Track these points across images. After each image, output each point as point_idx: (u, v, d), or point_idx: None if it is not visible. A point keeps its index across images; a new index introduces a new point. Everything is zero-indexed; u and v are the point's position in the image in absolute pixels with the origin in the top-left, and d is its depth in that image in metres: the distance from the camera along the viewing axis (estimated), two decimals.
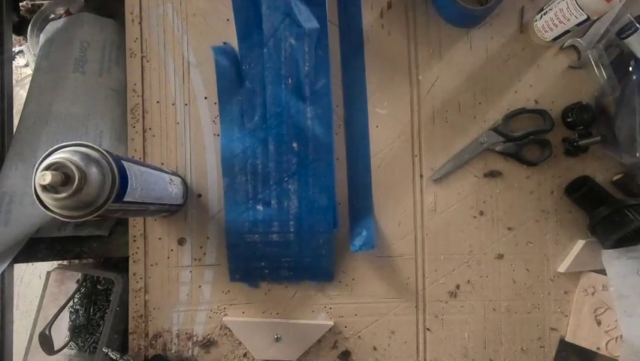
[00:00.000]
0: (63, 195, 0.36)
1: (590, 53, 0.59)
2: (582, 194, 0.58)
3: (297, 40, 0.58)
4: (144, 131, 0.61)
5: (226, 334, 0.60)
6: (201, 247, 0.60)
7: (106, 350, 0.57)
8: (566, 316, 0.60)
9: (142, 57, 0.61)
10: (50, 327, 0.63)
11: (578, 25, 0.53)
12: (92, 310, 0.72)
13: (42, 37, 0.65)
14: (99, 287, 0.73)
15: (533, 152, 0.61)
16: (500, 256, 0.60)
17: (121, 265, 0.63)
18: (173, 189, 0.54)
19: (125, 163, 0.41)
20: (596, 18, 0.54)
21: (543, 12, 0.57)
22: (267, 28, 0.58)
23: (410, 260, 0.60)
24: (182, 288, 0.60)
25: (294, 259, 0.59)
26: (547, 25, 0.57)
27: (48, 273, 0.69)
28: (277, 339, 0.58)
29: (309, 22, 0.58)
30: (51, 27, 0.64)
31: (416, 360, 0.60)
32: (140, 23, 0.61)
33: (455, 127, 0.60)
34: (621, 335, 0.57)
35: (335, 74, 0.60)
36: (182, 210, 0.60)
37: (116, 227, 0.63)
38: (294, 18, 0.57)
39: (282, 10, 0.57)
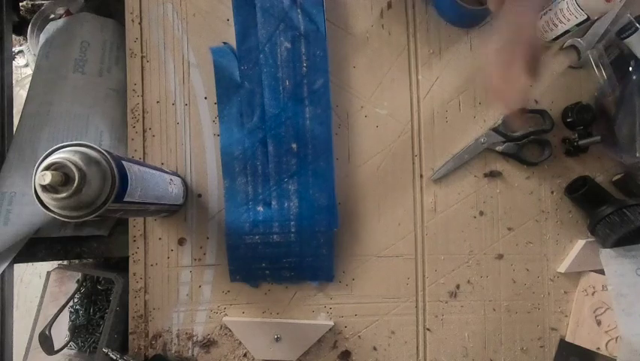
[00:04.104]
0: (63, 195, 0.36)
1: (590, 53, 0.59)
2: (582, 194, 0.58)
3: (293, 43, 0.58)
4: (144, 131, 0.61)
5: (226, 334, 0.60)
6: (201, 247, 0.60)
7: (106, 350, 0.57)
8: (566, 316, 0.60)
9: (142, 57, 0.61)
10: (50, 327, 0.63)
11: (578, 25, 0.53)
12: (92, 310, 0.72)
13: (42, 37, 0.65)
14: (99, 287, 0.73)
15: (533, 152, 0.61)
16: (500, 256, 0.60)
17: (121, 265, 0.63)
18: (173, 189, 0.54)
19: (125, 163, 0.41)
20: (596, 18, 0.54)
21: (543, 12, 0.57)
22: (262, 35, 0.58)
23: (410, 260, 0.60)
24: (182, 288, 0.60)
25: (295, 259, 0.59)
26: (547, 25, 0.57)
27: (48, 273, 0.69)
28: (277, 339, 0.59)
29: (307, 22, 0.58)
30: (51, 27, 0.64)
31: (416, 360, 0.60)
32: (140, 23, 0.61)
33: (455, 127, 0.60)
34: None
35: (334, 74, 0.60)
36: (182, 210, 0.60)
37: (116, 227, 0.63)
38: (290, 22, 0.58)
39: (277, 16, 0.58)
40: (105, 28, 0.64)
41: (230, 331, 0.60)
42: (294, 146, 0.58)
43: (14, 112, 0.68)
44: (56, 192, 0.36)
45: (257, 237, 0.58)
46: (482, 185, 0.60)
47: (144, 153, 0.61)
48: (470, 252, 0.60)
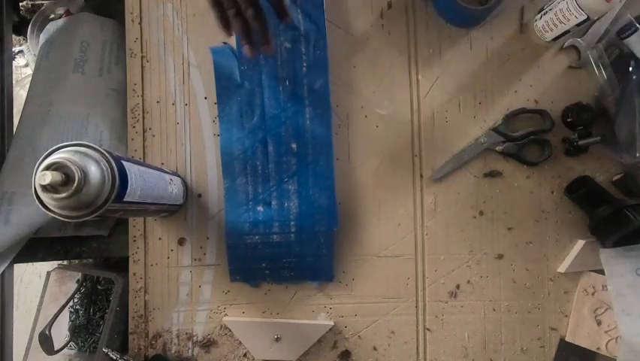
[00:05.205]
0: (63, 195, 0.36)
1: (590, 53, 0.59)
2: (582, 194, 0.58)
3: (293, 43, 0.58)
4: (144, 131, 0.61)
5: (226, 334, 0.60)
6: (201, 247, 0.60)
7: (106, 350, 0.57)
8: (566, 316, 0.60)
9: (142, 57, 0.61)
10: (50, 327, 0.63)
11: (578, 25, 0.53)
12: (92, 310, 0.72)
13: (42, 37, 0.65)
14: (99, 287, 0.73)
15: (533, 152, 0.60)
16: (500, 256, 0.60)
17: (121, 265, 0.64)
18: (173, 189, 0.54)
19: (125, 163, 0.41)
20: (596, 18, 0.54)
21: (543, 12, 0.57)
22: None
23: (410, 260, 0.60)
24: (182, 288, 0.60)
25: (295, 259, 0.59)
26: (547, 25, 0.57)
27: (48, 273, 0.69)
28: (277, 339, 0.59)
29: (307, 22, 0.58)
30: (51, 27, 0.64)
31: (416, 360, 0.60)
32: (140, 23, 0.61)
33: (455, 127, 0.60)
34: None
35: (334, 74, 0.60)
36: (182, 210, 0.60)
37: (116, 227, 0.63)
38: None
39: (277, 16, 0.58)
40: (105, 28, 0.64)
41: (230, 331, 0.60)
42: (294, 146, 0.58)
43: (14, 112, 0.68)
44: (56, 192, 0.36)
45: (257, 237, 0.58)
46: (482, 185, 0.60)
47: (144, 153, 0.61)
48: (470, 252, 0.60)
